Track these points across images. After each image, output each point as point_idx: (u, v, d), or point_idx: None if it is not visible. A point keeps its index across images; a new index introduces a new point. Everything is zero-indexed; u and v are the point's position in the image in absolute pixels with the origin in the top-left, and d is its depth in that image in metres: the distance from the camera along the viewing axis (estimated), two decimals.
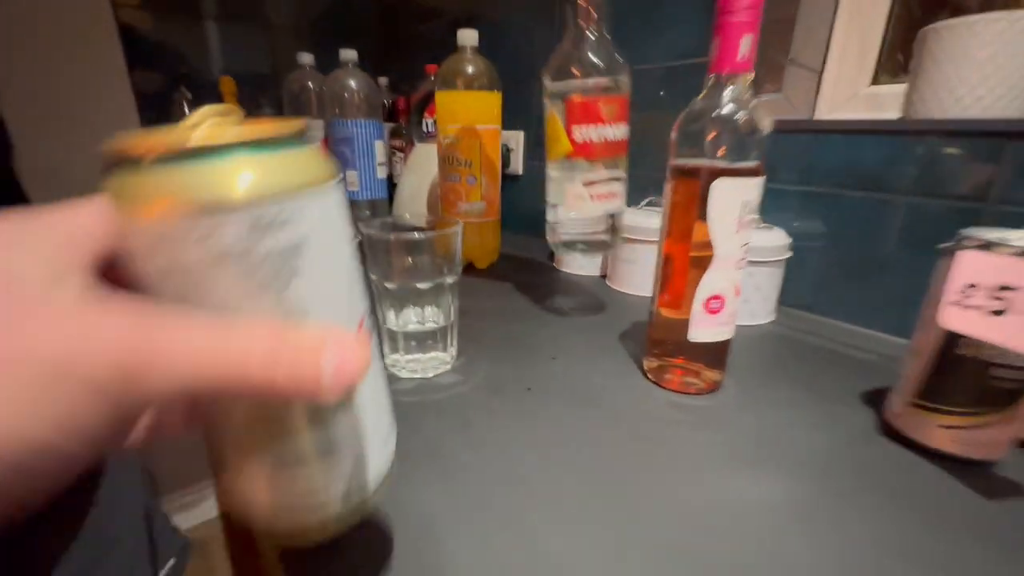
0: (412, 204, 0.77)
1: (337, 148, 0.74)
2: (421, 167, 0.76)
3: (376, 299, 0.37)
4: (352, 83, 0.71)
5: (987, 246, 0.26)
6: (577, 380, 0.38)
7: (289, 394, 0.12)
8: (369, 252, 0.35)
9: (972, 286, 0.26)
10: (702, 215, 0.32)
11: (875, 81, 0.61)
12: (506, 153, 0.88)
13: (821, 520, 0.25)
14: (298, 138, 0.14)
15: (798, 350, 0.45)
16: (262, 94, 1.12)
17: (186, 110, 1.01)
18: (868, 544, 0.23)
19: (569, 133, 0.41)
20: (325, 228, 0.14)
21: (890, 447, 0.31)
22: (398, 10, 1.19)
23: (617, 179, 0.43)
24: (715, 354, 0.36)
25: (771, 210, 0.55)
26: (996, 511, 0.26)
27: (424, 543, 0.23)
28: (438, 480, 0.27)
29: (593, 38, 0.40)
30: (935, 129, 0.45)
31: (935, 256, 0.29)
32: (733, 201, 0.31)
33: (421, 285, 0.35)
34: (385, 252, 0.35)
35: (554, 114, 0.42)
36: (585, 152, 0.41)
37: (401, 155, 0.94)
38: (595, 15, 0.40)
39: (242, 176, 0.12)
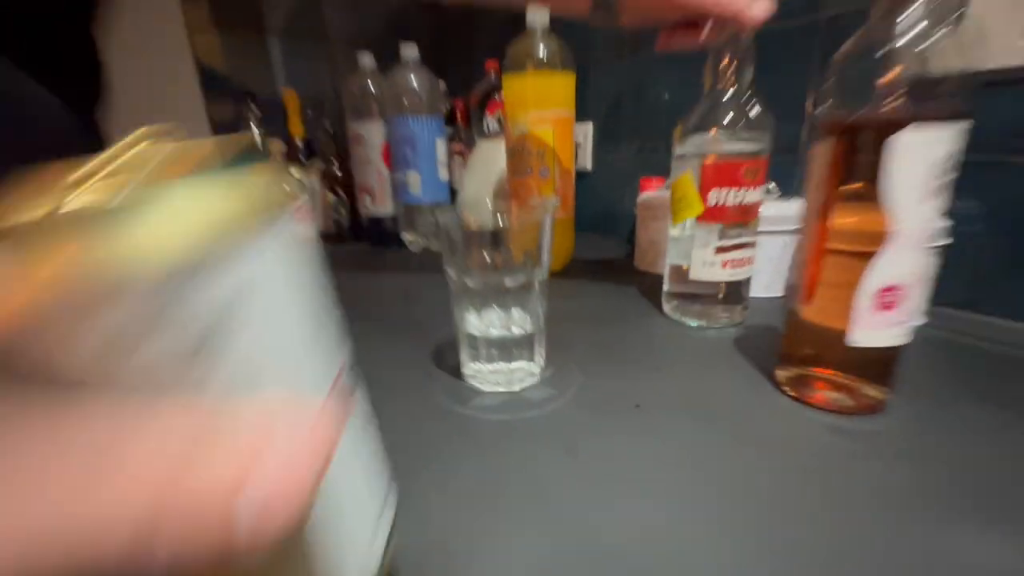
0: (475, 208, 0.73)
1: (399, 149, 0.71)
2: (484, 166, 0.72)
3: (453, 300, 0.32)
4: (413, 79, 0.69)
5: None
6: (694, 395, 0.31)
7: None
8: (446, 244, 0.30)
9: None
10: (872, 181, 0.24)
11: None
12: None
13: None
14: (232, 163, 0.11)
15: (972, 359, 0.35)
16: (322, 105, 1.13)
17: (254, 128, 1.04)
18: None
19: (704, 197, 0.38)
20: (272, 270, 0.10)
21: None
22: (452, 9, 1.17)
23: (750, 244, 0.39)
24: (882, 364, 0.28)
25: None
26: None
27: None
28: (543, 527, 0.21)
29: (737, 94, 0.37)
30: None
31: None
32: (925, 159, 0.23)
33: (509, 282, 0.30)
34: (465, 243, 0.30)
35: (688, 175, 0.39)
36: (719, 216, 0.38)
37: (461, 159, 0.91)
38: (740, 69, 0.36)
39: (140, 238, 0.08)
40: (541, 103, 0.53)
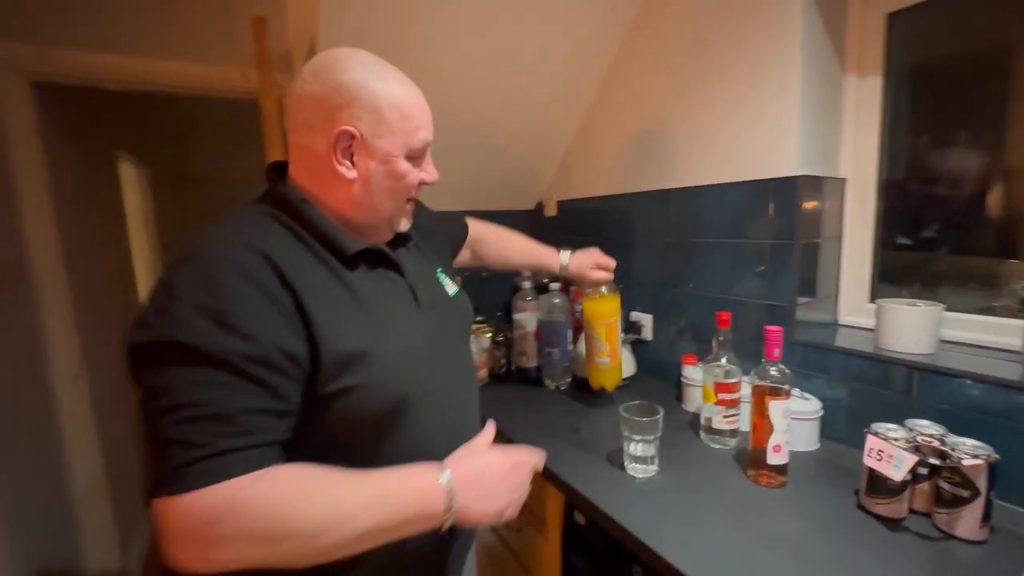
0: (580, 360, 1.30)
1: (546, 336, 1.30)
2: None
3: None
4: (556, 301, 1.30)
5: (877, 433, 0.72)
6: (702, 476, 0.85)
7: None
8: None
9: (872, 449, 0.71)
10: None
11: (871, 300, 1.08)
12: (639, 327, 1.41)
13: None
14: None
15: (830, 466, 0.88)
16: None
17: None
18: None
19: (716, 394, 0.94)
20: None
21: (866, 519, 0.74)
22: (556, 229, 1.83)
23: (736, 414, 0.95)
24: (781, 469, 0.82)
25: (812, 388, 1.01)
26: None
27: None
28: None
29: (724, 353, 0.95)
30: (883, 357, 0.90)
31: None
32: (784, 412, 0.79)
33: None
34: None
35: (711, 385, 0.96)
36: (724, 403, 0.95)
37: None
38: (726, 345, 0.95)
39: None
40: (602, 316, 1.11)
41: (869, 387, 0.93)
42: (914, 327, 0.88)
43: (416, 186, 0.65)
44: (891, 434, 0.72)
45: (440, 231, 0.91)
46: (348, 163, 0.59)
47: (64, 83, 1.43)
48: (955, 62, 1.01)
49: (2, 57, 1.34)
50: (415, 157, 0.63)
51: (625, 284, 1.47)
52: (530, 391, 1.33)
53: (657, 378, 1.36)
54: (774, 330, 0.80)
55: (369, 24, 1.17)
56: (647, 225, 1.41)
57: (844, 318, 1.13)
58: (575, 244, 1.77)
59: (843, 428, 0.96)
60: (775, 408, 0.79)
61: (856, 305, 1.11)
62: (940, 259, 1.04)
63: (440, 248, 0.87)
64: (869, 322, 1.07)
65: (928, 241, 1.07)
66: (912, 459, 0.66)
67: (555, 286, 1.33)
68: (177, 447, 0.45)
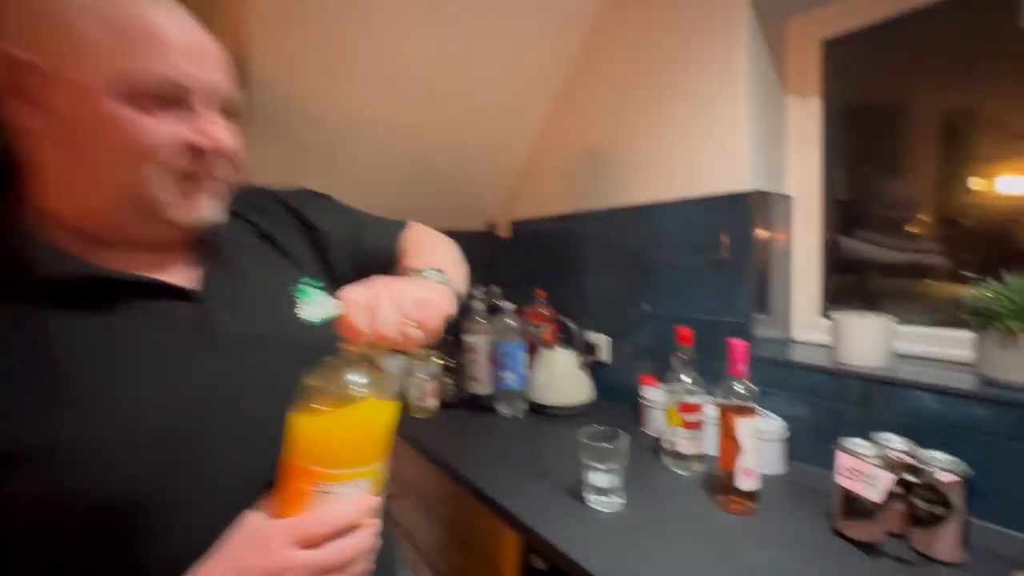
0: (544, 390, 1.22)
1: (500, 359, 1.22)
2: (547, 367, 1.24)
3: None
4: (509, 321, 1.22)
5: (847, 450, 0.68)
6: (674, 506, 0.78)
7: None
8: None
9: (844, 467, 0.67)
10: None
11: (823, 316, 1.08)
12: (593, 347, 1.35)
13: None
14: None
15: (798, 488, 0.84)
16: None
17: None
18: None
19: (680, 415, 0.89)
20: None
21: (843, 545, 0.69)
22: (509, 250, 1.78)
23: (701, 436, 0.90)
24: (747, 495, 0.76)
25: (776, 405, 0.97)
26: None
27: None
28: None
29: (687, 372, 0.90)
30: (843, 371, 0.88)
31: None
32: (755, 432, 0.74)
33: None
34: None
35: (673, 406, 0.90)
36: (689, 426, 0.89)
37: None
38: (687, 364, 0.90)
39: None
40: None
41: (830, 403, 0.90)
42: (870, 338, 0.87)
43: (172, 148, 0.40)
44: (861, 450, 0.68)
45: (337, 229, 0.62)
46: (28, 109, 0.38)
47: None
48: (886, 93, 1.06)
49: None
50: (148, 98, 0.39)
51: (580, 305, 1.42)
52: (483, 419, 1.22)
53: (616, 401, 1.29)
54: (739, 344, 0.76)
55: (305, 41, 1.11)
56: (601, 244, 1.38)
57: (796, 334, 1.13)
58: (530, 266, 1.74)
59: (807, 446, 0.93)
60: (743, 427, 0.74)
61: (807, 321, 1.11)
62: (883, 278, 1.06)
63: (316, 250, 0.59)
64: (820, 338, 1.06)
65: (869, 261, 1.10)
66: (889, 477, 0.62)
67: (508, 305, 1.26)
68: None
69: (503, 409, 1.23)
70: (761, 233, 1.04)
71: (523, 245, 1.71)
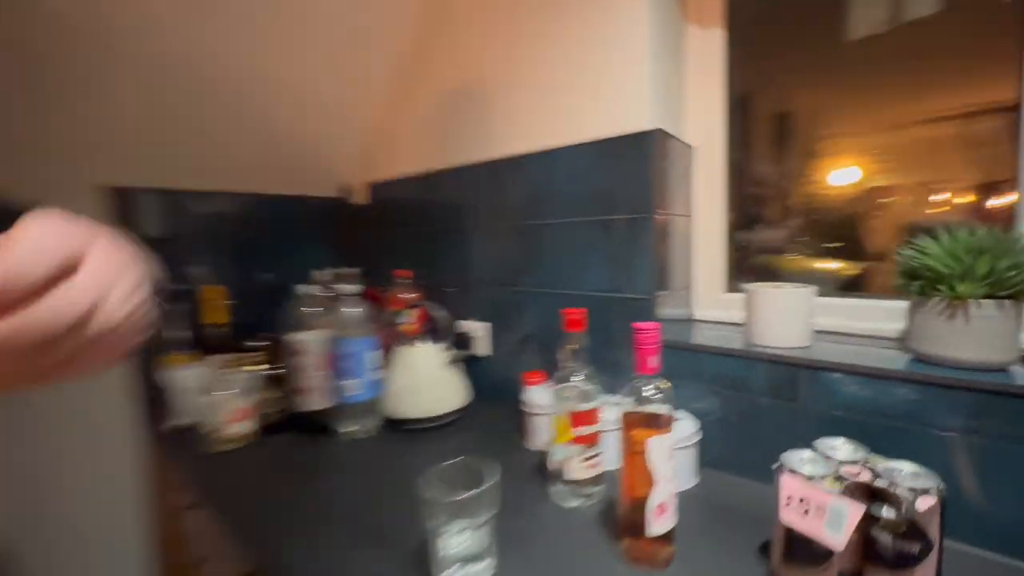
0: (403, 398, 0.92)
1: (341, 362, 0.89)
2: (406, 368, 0.94)
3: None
4: (354, 309, 0.89)
5: (793, 472, 0.49)
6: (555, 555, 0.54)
7: None
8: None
9: (790, 497, 0.48)
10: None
11: (728, 291, 0.92)
12: (468, 338, 1.08)
13: None
14: None
15: (716, 510, 0.65)
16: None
17: None
18: None
19: (573, 429, 0.64)
20: None
21: None
22: (367, 220, 1.42)
23: (600, 454, 0.66)
24: (667, 538, 0.55)
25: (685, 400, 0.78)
26: None
27: None
28: None
29: (578, 367, 0.66)
30: (765, 356, 0.71)
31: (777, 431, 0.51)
32: (663, 448, 0.52)
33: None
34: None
35: (563, 416, 0.65)
36: (582, 441, 0.65)
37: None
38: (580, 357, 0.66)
39: None
40: None
41: (747, 395, 0.73)
42: (791, 313, 0.71)
43: None
44: (806, 468, 0.49)
45: None
46: None
47: None
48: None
49: None
50: None
51: (453, 286, 1.13)
52: (316, 445, 0.89)
53: (499, 403, 1.04)
54: (647, 328, 0.53)
55: None
56: (478, 208, 1.10)
57: (699, 312, 0.96)
58: (391, 240, 1.40)
59: (721, 449, 0.75)
60: (656, 447, 0.52)
61: (711, 296, 0.95)
62: (788, 246, 0.93)
63: None
64: (725, 315, 0.91)
65: (775, 224, 0.96)
66: (857, 509, 0.44)
67: (351, 288, 0.93)
68: None
69: (345, 428, 0.91)
70: (665, 185, 0.84)
71: (385, 212, 1.38)
